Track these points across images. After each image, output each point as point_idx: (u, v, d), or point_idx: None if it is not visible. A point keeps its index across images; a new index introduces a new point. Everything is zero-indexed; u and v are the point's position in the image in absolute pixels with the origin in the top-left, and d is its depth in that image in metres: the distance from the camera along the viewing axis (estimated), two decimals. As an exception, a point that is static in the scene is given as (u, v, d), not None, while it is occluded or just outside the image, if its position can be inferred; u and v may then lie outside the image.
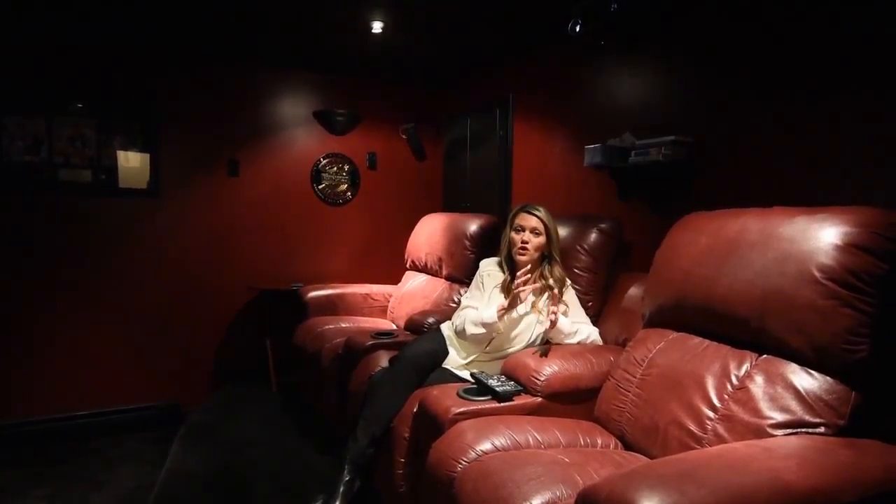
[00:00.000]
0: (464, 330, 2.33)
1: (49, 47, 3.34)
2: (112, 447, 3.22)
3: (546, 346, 2.20)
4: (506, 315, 2.26)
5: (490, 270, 2.53)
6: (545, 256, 2.41)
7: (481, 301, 2.45)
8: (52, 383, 3.43)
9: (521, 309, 2.35)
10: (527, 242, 2.36)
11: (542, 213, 2.39)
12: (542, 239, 2.38)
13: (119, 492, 2.68)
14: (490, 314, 2.25)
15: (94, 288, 3.54)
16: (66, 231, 3.46)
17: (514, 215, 2.44)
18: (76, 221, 3.48)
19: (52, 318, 3.43)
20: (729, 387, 1.54)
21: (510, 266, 2.46)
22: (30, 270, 3.37)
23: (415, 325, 2.87)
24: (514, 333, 2.33)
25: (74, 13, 3.04)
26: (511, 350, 2.31)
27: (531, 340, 2.32)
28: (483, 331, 2.27)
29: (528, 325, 2.31)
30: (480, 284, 2.52)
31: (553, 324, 2.16)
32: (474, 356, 2.36)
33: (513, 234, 2.41)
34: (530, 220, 2.39)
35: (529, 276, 2.27)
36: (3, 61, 3.25)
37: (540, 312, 2.33)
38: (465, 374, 2.28)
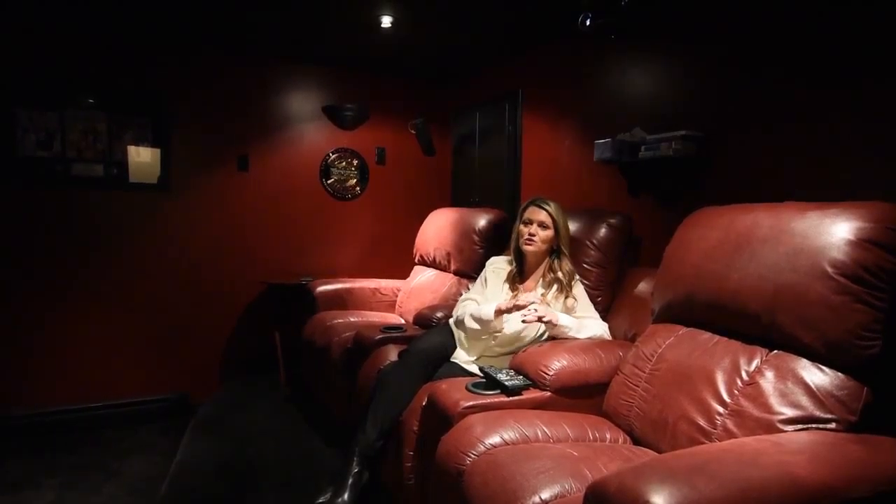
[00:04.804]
0: (463, 321, 2.35)
1: (60, 42, 3.37)
2: (123, 438, 3.26)
3: (555, 341, 2.20)
4: (503, 316, 2.26)
5: (496, 267, 2.55)
6: (554, 250, 2.42)
7: (482, 295, 2.47)
8: (62, 375, 3.47)
9: (516, 299, 2.35)
10: (534, 235, 2.38)
11: (551, 207, 2.41)
12: (549, 232, 2.39)
13: (130, 482, 2.72)
14: (487, 312, 2.25)
15: (104, 281, 3.57)
16: (79, 225, 3.49)
17: (524, 208, 2.47)
18: (88, 215, 3.52)
19: (63, 311, 3.47)
20: (739, 382, 1.54)
21: (518, 258, 2.48)
22: (42, 263, 3.41)
23: (423, 320, 2.87)
24: (522, 327, 2.33)
25: (85, 7, 3.06)
26: (519, 345, 2.31)
27: (539, 335, 2.32)
28: (478, 326, 2.28)
29: (528, 319, 2.30)
30: (484, 280, 2.55)
31: (538, 319, 2.17)
32: (481, 346, 2.36)
33: (521, 227, 2.45)
34: (539, 214, 2.40)
35: (536, 302, 2.26)
36: (16, 56, 3.28)
37: (548, 306, 2.33)
38: (474, 368, 2.28)
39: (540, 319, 2.17)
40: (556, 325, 2.20)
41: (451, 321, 2.55)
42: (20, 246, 3.35)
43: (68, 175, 3.44)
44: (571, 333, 2.23)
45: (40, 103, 3.35)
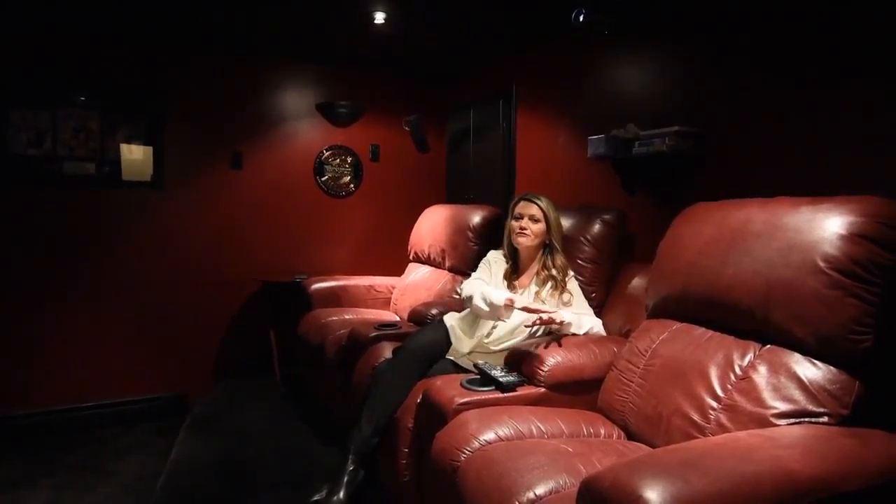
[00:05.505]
0: (470, 297, 2.28)
1: (52, 39, 3.34)
2: (119, 437, 3.25)
3: (549, 337, 2.20)
4: (511, 311, 2.21)
5: (496, 259, 2.56)
6: (546, 245, 2.43)
7: (489, 276, 2.48)
8: (58, 375, 3.45)
9: (525, 300, 2.36)
10: (525, 228, 2.39)
11: (542, 201, 2.41)
12: (540, 226, 2.39)
13: (126, 481, 2.71)
14: (499, 297, 2.18)
15: (98, 280, 3.55)
16: (71, 223, 3.47)
17: (515, 204, 2.48)
18: (81, 214, 3.49)
19: (57, 311, 3.45)
20: (732, 377, 1.54)
21: (512, 255, 2.49)
22: (34, 263, 3.38)
23: (418, 317, 2.87)
24: (517, 324, 2.33)
25: (77, 6, 3.04)
26: (514, 341, 2.31)
27: (534, 331, 2.32)
28: (487, 309, 2.20)
29: (531, 316, 2.31)
30: (488, 265, 2.54)
31: (551, 321, 2.14)
32: (475, 343, 2.36)
33: (512, 222, 2.45)
34: (530, 208, 2.41)
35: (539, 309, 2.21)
36: (7, 54, 3.25)
37: (543, 302, 2.33)
38: (469, 365, 2.28)
39: (550, 321, 2.14)
40: (563, 323, 2.15)
41: (448, 318, 2.53)
42: (12, 245, 3.33)
43: (60, 173, 3.42)
44: (573, 330, 2.21)
45: (31, 102, 3.32)
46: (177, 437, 3.02)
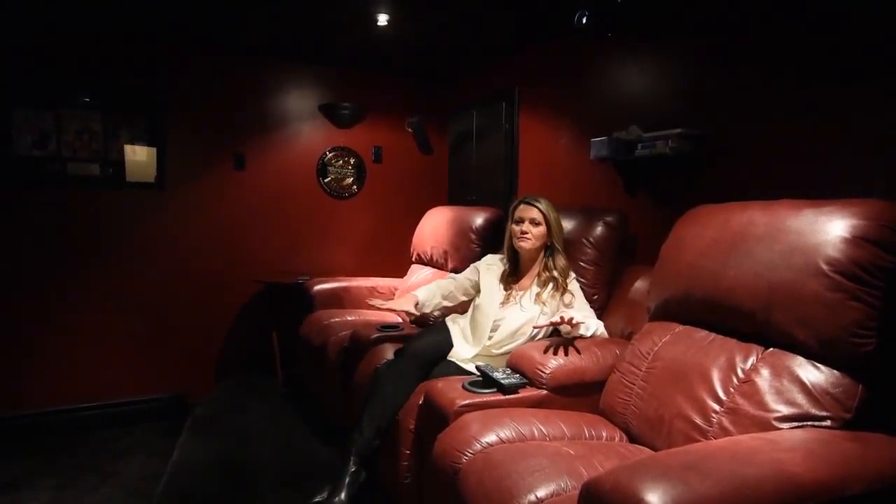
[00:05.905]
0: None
1: (55, 40, 3.35)
2: (120, 438, 3.25)
3: (552, 339, 2.19)
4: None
5: (490, 264, 2.57)
6: (547, 248, 2.43)
7: (468, 280, 2.58)
8: (58, 376, 3.46)
9: (525, 302, 2.36)
10: (526, 232, 2.39)
11: (542, 204, 2.41)
12: (541, 228, 2.40)
13: (127, 482, 2.71)
14: (406, 301, 2.52)
15: (101, 281, 3.56)
16: (75, 224, 3.48)
17: (515, 207, 2.48)
18: (84, 215, 3.50)
19: (59, 311, 3.46)
20: (735, 380, 1.54)
21: (512, 258, 2.49)
22: (38, 264, 3.39)
23: (420, 318, 2.87)
24: (518, 326, 2.33)
25: (81, 7, 3.05)
26: (516, 343, 2.31)
27: (534, 333, 2.31)
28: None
29: (533, 318, 2.31)
30: (476, 271, 2.58)
31: (565, 321, 2.09)
32: (480, 348, 2.36)
33: (513, 226, 2.45)
34: (530, 212, 2.41)
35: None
36: (11, 55, 3.26)
37: (545, 304, 2.33)
38: (471, 367, 2.28)
39: (566, 322, 2.09)
40: (576, 324, 2.11)
41: (450, 320, 2.55)
42: (15, 246, 3.34)
43: (64, 175, 3.43)
44: (581, 331, 2.17)
45: (33, 103, 3.33)
46: (178, 437, 3.02)
